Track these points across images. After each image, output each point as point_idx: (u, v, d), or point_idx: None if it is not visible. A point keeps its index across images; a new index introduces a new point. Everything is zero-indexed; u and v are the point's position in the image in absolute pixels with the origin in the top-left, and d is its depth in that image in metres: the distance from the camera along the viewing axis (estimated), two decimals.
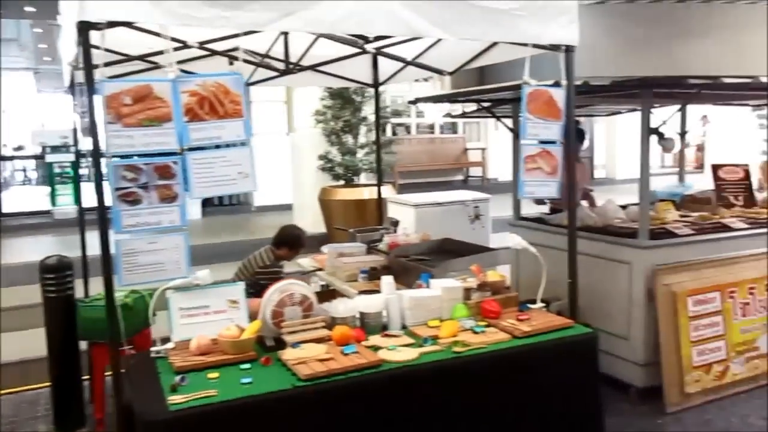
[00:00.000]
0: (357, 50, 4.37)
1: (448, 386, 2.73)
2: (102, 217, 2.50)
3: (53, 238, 9.07)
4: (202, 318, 2.88)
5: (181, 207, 2.55)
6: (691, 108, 6.36)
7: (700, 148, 15.70)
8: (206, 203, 10.67)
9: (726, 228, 4.60)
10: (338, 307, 3.06)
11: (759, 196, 5.53)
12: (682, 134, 6.27)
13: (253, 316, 2.98)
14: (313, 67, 4.86)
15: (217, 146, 2.61)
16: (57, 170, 10.92)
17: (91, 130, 2.50)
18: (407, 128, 13.99)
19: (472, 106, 5.88)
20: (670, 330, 4.09)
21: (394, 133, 13.61)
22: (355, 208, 7.27)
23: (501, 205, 5.38)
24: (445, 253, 4.38)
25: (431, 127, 14.30)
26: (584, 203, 5.45)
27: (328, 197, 7.71)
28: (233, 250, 4.50)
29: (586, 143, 14.17)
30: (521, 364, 2.89)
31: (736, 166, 5.60)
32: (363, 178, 8.45)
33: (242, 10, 2.56)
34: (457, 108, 7.06)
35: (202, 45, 3.83)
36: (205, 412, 2.30)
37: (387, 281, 3.18)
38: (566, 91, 3.28)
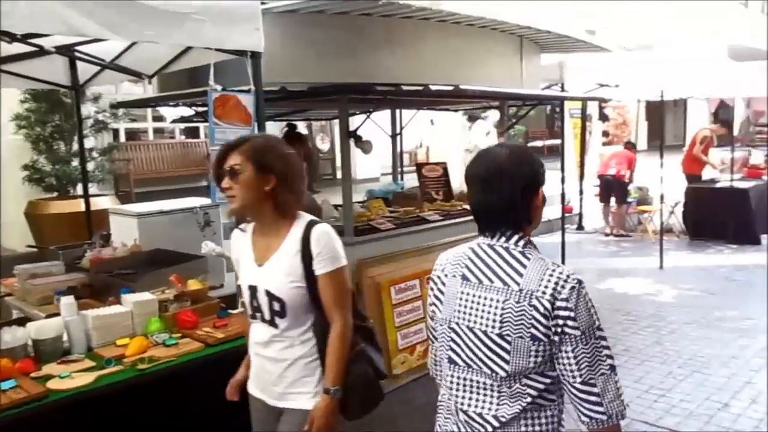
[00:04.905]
0: (34, 48, 3.92)
1: (132, 407, 2.57)
2: None
3: None
4: None
5: None
6: (407, 112, 6.99)
7: (429, 149, 17.41)
8: None
9: (424, 221, 5.12)
10: (4, 337, 2.71)
11: (456, 190, 6.26)
12: (394, 136, 6.86)
13: None
14: None
15: None
16: None
17: None
18: (142, 133, 13.16)
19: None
20: (377, 318, 4.41)
21: (129, 138, 12.68)
22: (71, 222, 6.58)
23: None
24: (154, 264, 4.17)
25: (172, 131, 13.65)
26: None
27: (37, 211, 6.87)
28: None
29: (326, 145, 14.79)
30: (215, 371, 2.83)
31: (437, 164, 6.27)
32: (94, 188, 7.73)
33: None
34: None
35: None
36: None
37: (66, 302, 2.90)
38: (254, 96, 3.33)
